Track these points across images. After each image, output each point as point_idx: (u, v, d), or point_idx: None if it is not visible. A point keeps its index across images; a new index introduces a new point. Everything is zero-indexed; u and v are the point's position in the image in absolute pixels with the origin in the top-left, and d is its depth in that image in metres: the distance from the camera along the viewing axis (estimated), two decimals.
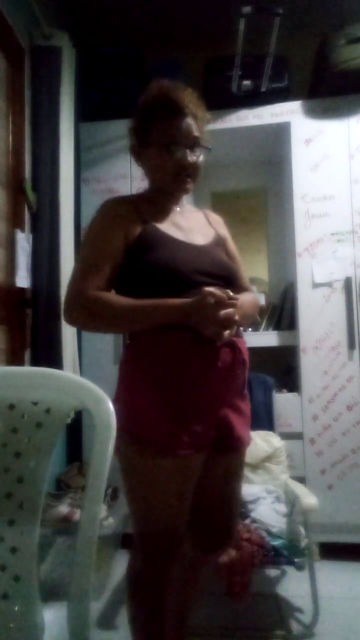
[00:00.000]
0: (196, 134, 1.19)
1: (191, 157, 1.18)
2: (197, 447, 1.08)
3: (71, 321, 1.15)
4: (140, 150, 1.25)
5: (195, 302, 1.05)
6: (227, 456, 1.18)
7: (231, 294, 1.07)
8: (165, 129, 1.17)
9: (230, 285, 1.16)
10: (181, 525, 1.13)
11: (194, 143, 1.19)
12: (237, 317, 1.07)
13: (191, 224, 1.27)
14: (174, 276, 1.11)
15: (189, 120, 1.18)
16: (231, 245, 1.35)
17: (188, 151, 1.18)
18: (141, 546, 1.15)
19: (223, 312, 1.04)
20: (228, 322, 1.05)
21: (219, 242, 1.29)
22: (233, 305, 1.06)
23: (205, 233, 1.28)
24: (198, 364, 1.09)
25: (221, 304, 1.04)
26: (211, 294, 1.04)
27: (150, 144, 1.20)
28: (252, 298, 1.30)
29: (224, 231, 1.36)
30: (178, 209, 1.28)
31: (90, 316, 1.12)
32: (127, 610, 1.21)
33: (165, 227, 1.19)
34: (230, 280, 1.20)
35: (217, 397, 1.12)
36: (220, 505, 1.22)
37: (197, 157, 1.20)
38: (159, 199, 1.25)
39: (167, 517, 1.10)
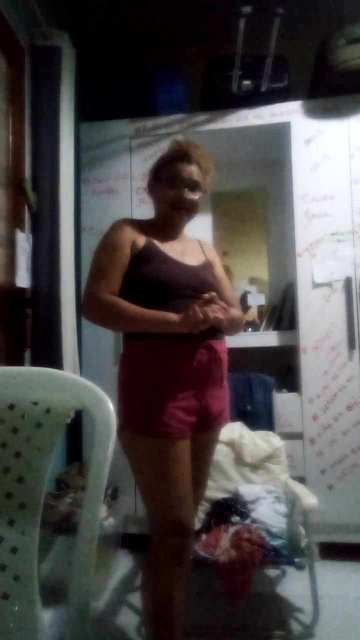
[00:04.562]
0: (196, 178, 1.44)
1: (188, 195, 1.43)
2: (185, 431, 1.31)
3: (86, 318, 1.39)
4: (152, 184, 1.52)
5: (184, 317, 1.26)
6: (203, 434, 1.41)
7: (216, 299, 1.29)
8: (172, 170, 1.43)
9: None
10: (188, 497, 1.29)
11: (193, 185, 1.44)
12: (218, 317, 1.26)
13: (186, 248, 1.51)
14: (164, 287, 1.34)
15: (193, 167, 1.43)
16: (219, 269, 1.59)
17: (187, 189, 1.43)
18: (157, 527, 1.29)
19: (206, 309, 1.25)
20: (206, 319, 1.25)
21: (208, 266, 1.52)
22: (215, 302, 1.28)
23: (197, 257, 1.52)
24: (180, 364, 1.32)
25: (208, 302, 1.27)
26: (195, 310, 1.25)
27: (159, 179, 1.47)
28: (237, 313, 1.52)
29: (214, 257, 1.60)
30: (177, 238, 1.52)
31: (102, 316, 1.36)
32: (142, 595, 1.37)
33: (164, 247, 1.44)
34: None
35: (198, 389, 1.34)
36: (195, 472, 1.39)
37: (194, 196, 1.45)
38: (161, 226, 1.50)
39: (174, 488, 1.27)
